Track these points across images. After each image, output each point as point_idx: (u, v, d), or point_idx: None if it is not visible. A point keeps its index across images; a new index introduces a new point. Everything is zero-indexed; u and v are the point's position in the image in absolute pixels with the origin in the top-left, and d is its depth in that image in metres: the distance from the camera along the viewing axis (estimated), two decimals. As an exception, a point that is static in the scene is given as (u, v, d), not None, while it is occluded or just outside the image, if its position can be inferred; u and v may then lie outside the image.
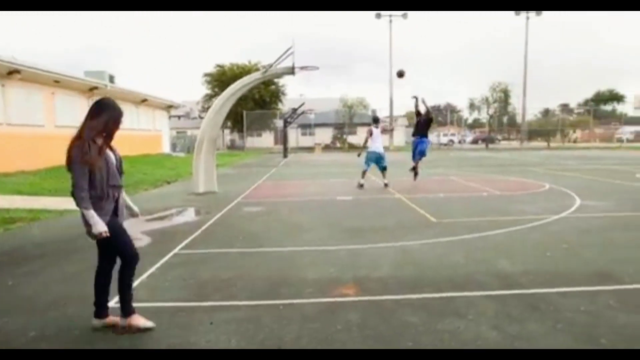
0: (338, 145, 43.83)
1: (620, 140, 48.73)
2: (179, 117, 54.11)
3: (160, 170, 17.61)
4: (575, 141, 52.36)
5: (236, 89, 11.34)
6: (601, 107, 70.13)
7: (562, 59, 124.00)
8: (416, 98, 11.93)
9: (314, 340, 3.09)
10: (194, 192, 11.17)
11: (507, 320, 3.33)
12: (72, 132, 3.16)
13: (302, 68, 11.29)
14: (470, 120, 75.12)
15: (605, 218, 7.36)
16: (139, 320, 3.31)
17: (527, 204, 8.87)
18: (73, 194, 3.07)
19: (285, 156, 29.25)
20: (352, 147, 42.88)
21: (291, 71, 11.16)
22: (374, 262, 4.94)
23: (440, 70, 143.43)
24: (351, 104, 42.12)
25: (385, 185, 11.39)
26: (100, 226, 3.06)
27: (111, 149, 3.28)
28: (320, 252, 5.48)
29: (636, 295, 3.84)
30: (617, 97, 71.47)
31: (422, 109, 12.11)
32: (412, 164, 12.58)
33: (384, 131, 11.69)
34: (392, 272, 4.58)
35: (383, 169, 11.53)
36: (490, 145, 44.74)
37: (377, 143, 11.37)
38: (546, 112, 68.17)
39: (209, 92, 44.74)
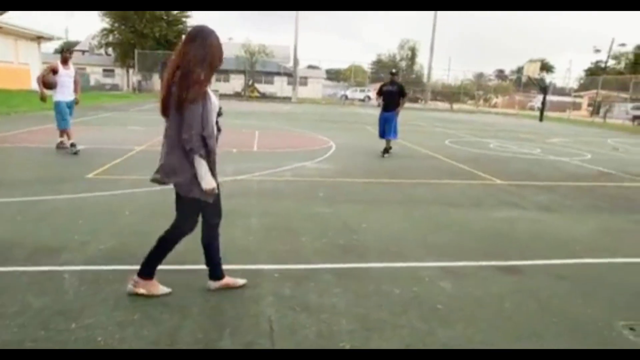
0: (248, 94, 41.95)
1: (532, 108, 49.78)
2: (82, 52, 50.13)
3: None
4: (494, 106, 53.13)
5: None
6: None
7: (508, 23, 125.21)
8: None
9: None
10: None
11: None
12: None
13: None
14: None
15: (274, 182, 6.67)
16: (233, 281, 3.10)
17: (251, 162, 8.19)
18: (186, 140, 2.51)
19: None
20: (264, 97, 41.54)
21: None
22: None
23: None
24: (253, 50, 40.12)
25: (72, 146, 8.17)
26: (211, 181, 2.60)
27: None
28: None
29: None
30: (546, 67, 72.92)
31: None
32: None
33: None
34: None
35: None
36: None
37: (67, 89, 8.16)
38: (480, 76, 69.19)
39: (107, 26, 41.23)
